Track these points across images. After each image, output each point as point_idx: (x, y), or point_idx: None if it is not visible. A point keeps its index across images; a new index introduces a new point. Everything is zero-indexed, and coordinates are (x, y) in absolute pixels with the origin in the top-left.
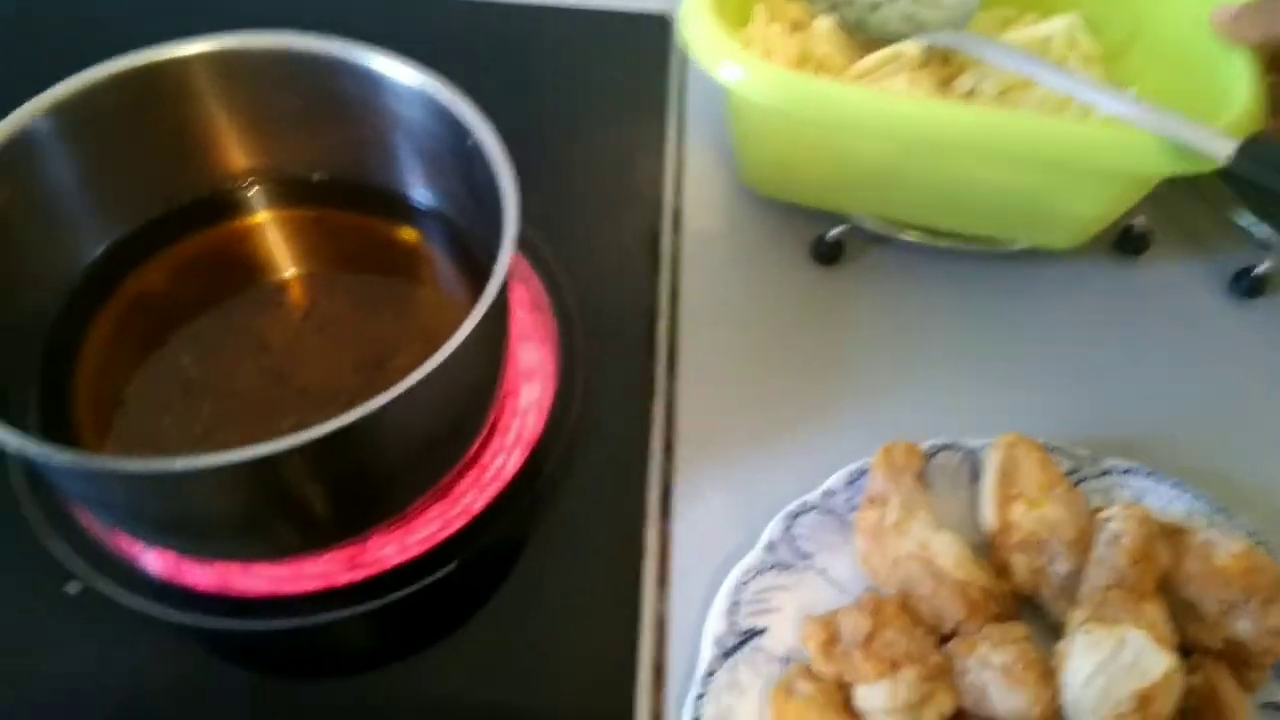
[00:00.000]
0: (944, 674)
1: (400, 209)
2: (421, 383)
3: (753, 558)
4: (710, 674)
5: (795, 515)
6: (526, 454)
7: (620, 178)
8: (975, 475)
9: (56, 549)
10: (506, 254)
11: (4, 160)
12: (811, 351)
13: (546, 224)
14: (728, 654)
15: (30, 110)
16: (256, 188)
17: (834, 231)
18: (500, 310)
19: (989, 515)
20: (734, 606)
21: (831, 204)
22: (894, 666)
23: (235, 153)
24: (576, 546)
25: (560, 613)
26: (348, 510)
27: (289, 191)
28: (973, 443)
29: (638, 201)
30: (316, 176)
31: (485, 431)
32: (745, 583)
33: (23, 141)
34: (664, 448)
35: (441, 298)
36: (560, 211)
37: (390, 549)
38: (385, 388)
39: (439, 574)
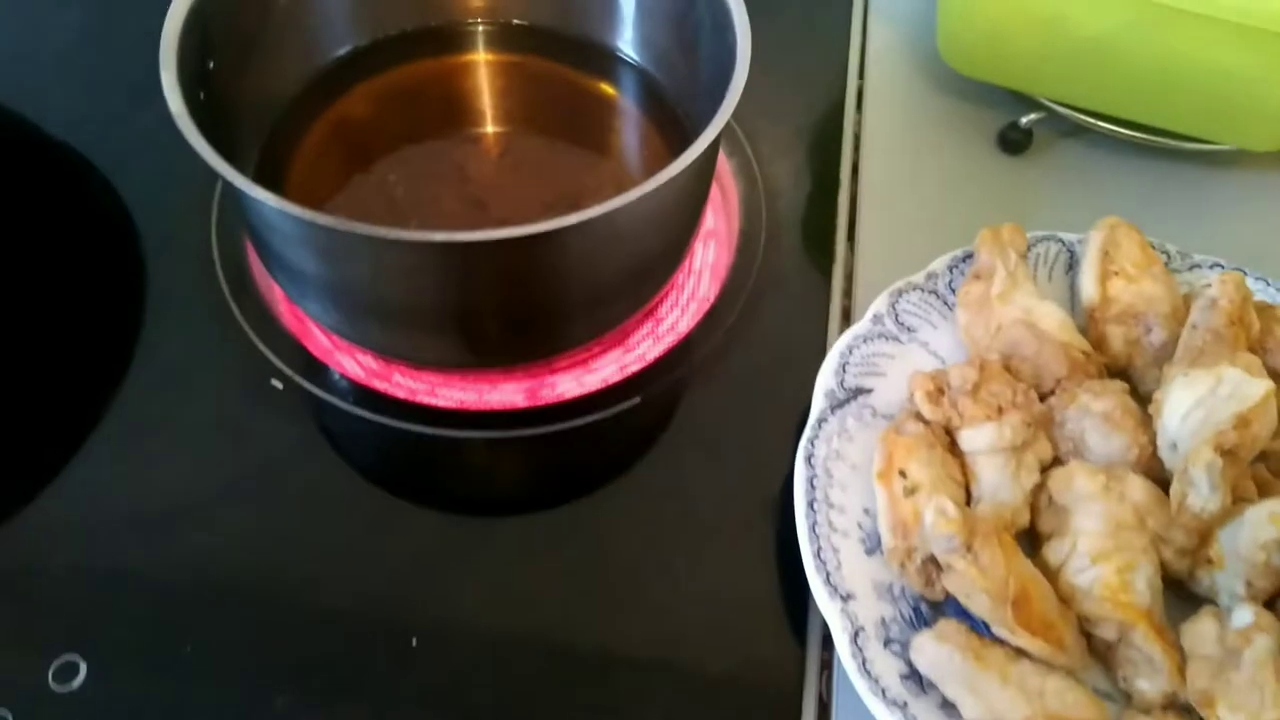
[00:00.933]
0: (1045, 424)
1: (603, 61)
2: (632, 203)
3: (860, 326)
4: (821, 421)
5: (900, 293)
6: (703, 313)
7: (804, 51)
8: (1071, 266)
9: (264, 348)
10: (730, 105)
11: None
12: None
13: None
14: (836, 406)
15: None
16: (474, 26)
17: (1026, 119)
18: (710, 160)
19: (1089, 289)
20: (842, 366)
21: (1034, 86)
22: (999, 412)
23: None
24: (745, 405)
25: (717, 466)
26: (535, 327)
27: (499, 34)
28: (1071, 236)
29: (821, 76)
30: (526, 22)
31: (673, 279)
32: (854, 348)
33: None
34: (841, 316)
35: (634, 150)
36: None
37: (569, 384)
38: None
39: (615, 409)
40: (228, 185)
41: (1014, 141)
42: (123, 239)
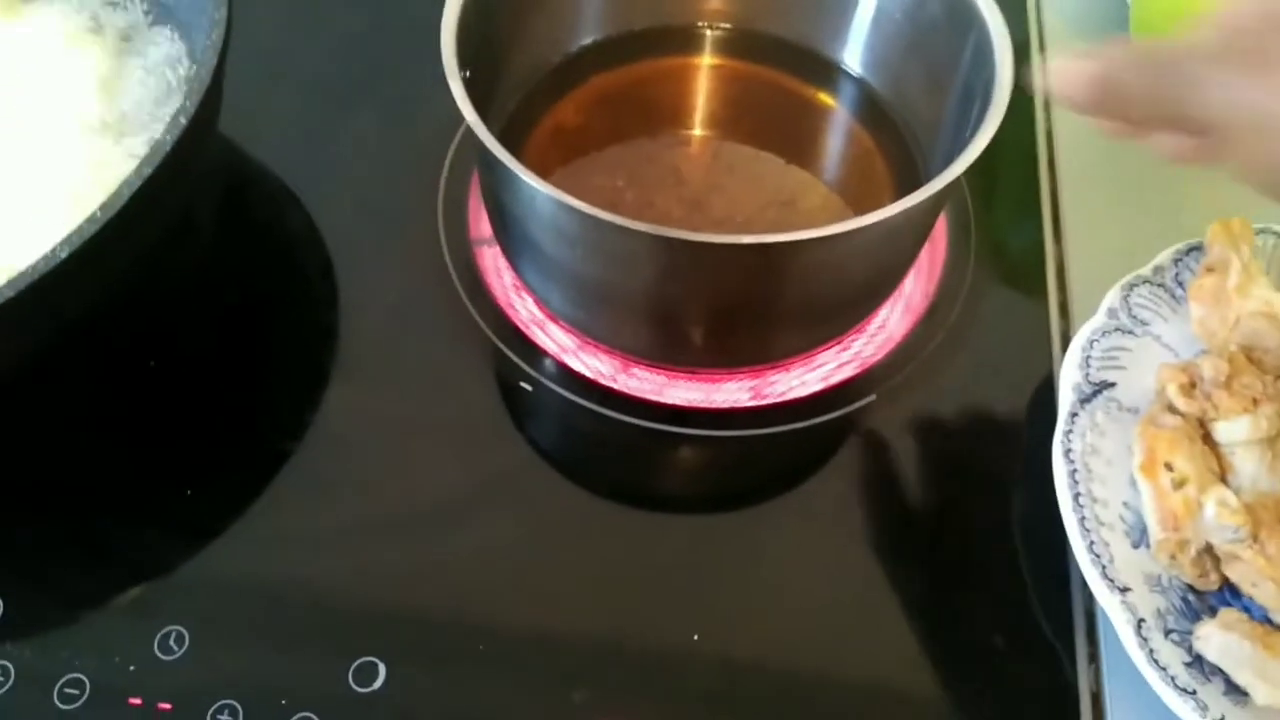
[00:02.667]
0: None
1: (829, 74)
2: (876, 224)
3: (1097, 320)
4: (1074, 415)
5: (1130, 286)
6: (920, 312)
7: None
8: None
9: (509, 352)
10: (979, 145)
11: None
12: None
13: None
14: (1085, 401)
15: None
16: (704, 30)
17: None
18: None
19: None
20: (1085, 361)
21: None
22: (1254, 404)
23: None
24: (973, 401)
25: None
26: (772, 331)
27: (730, 39)
28: None
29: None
30: (759, 29)
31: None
32: (1094, 341)
33: None
34: (1058, 311)
35: (852, 162)
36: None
37: (794, 383)
38: (799, 226)
39: (848, 408)
40: (497, 177)
41: None
42: (321, 253)
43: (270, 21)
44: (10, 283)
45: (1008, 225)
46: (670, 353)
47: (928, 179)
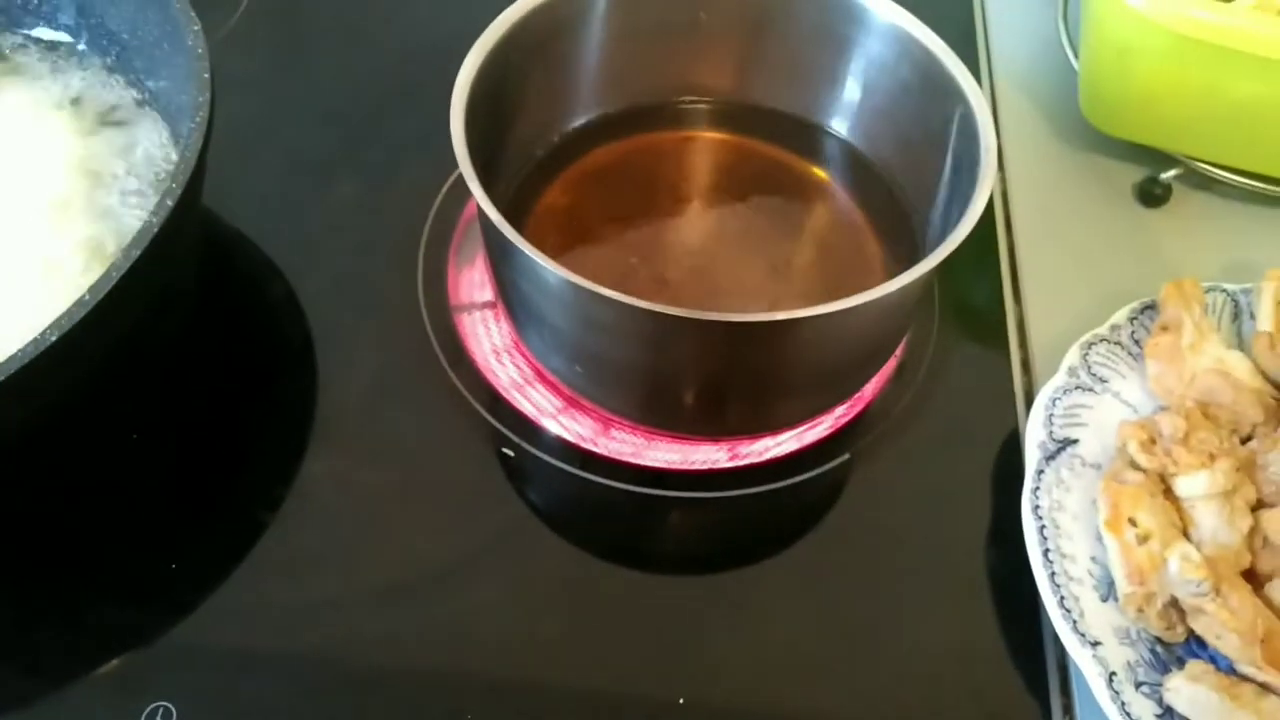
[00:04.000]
0: (1249, 467)
1: (815, 139)
2: (867, 304)
3: (1058, 379)
4: (1040, 473)
5: (1089, 345)
6: (889, 373)
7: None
8: (1236, 315)
9: (494, 423)
10: (968, 225)
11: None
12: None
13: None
14: (1050, 458)
15: None
16: (686, 105)
17: (1167, 175)
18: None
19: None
20: (1049, 419)
21: (1180, 145)
22: (1211, 459)
23: (675, 69)
24: (941, 459)
25: (921, 520)
26: (769, 403)
27: (712, 113)
28: (1233, 286)
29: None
30: (739, 100)
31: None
32: (1056, 399)
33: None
34: (1021, 368)
35: (845, 230)
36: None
37: (770, 444)
38: (795, 294)
39: (823, 467)
40: (506, 255)
41: (1154, 195)
42: (301, 323)
43: (249, 94)
44: (2, 365)
45: (969, 285)
46: (662, 419)
47: (918, 234)
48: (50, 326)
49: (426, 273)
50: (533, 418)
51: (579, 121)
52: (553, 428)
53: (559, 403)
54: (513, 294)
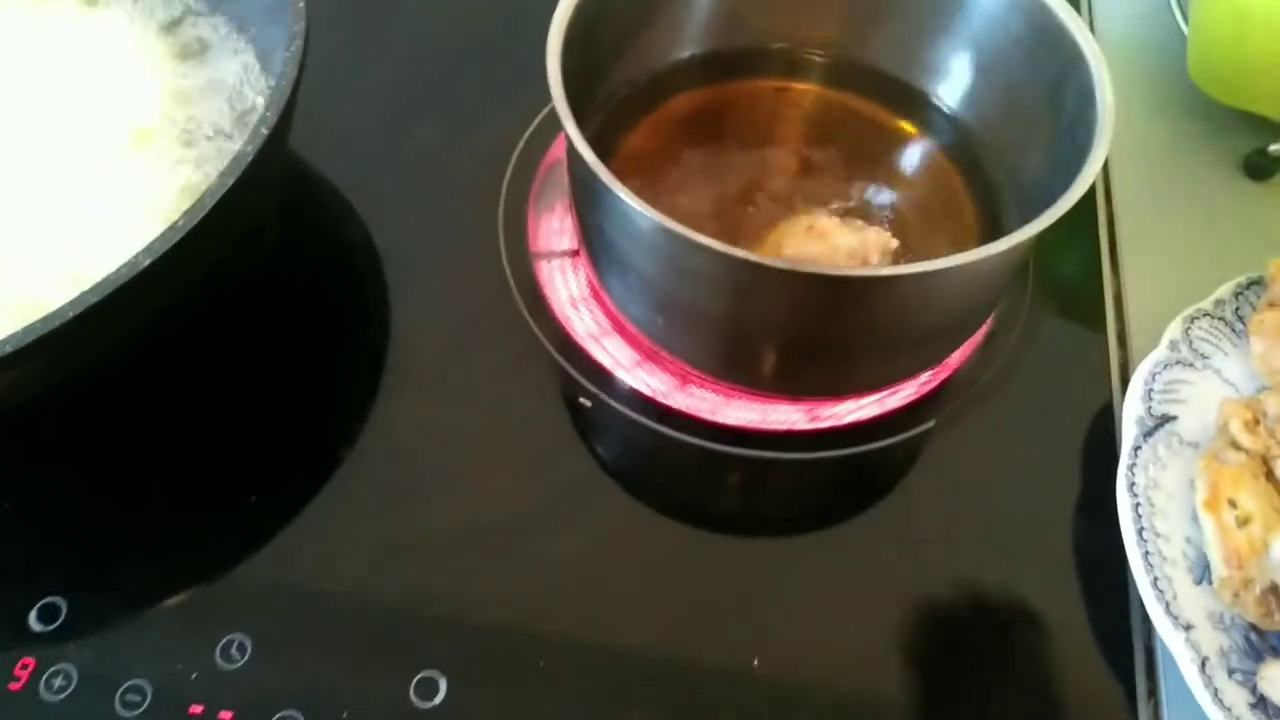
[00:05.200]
0: None
1: (913, 97)
2: (964, 266)
3: (1159, 353)
4: (1136, 449)
5: (1191, 319)
6: (979, 339)
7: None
8: None
9: (571, 372)
10: (1079, 189)
11: None
12: (1242, 265)
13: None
14: (1148, 434)
15: None
16: (784, 53)
17: (1276, 146)
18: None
19: None
20: (1148, 394)
21: None
22: None
23: (779, 10)
24: (1033, 430)
25: (1008, 491)
26: (842, 367)
27: (813, 65)
28: None
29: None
30: (838, 55)
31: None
32: (1156, 374)
33: None
34: (1117, 341)
35: (941, 189)
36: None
37: (850, 407)
38: None
39: (909, 433)
40: (594, 195)
41: (1261, 167)
42: (377, 265)
43: (332, 35)
44: (96, 287)
45: (1066, 253)
46: (743, 375)
47: (1017, 198)
48: (144, 251)
49: (507, 219)
50: (609, 369)
51: (668, 62)
52: (629, 380)
53: (636, 355)
54: (596, 238)
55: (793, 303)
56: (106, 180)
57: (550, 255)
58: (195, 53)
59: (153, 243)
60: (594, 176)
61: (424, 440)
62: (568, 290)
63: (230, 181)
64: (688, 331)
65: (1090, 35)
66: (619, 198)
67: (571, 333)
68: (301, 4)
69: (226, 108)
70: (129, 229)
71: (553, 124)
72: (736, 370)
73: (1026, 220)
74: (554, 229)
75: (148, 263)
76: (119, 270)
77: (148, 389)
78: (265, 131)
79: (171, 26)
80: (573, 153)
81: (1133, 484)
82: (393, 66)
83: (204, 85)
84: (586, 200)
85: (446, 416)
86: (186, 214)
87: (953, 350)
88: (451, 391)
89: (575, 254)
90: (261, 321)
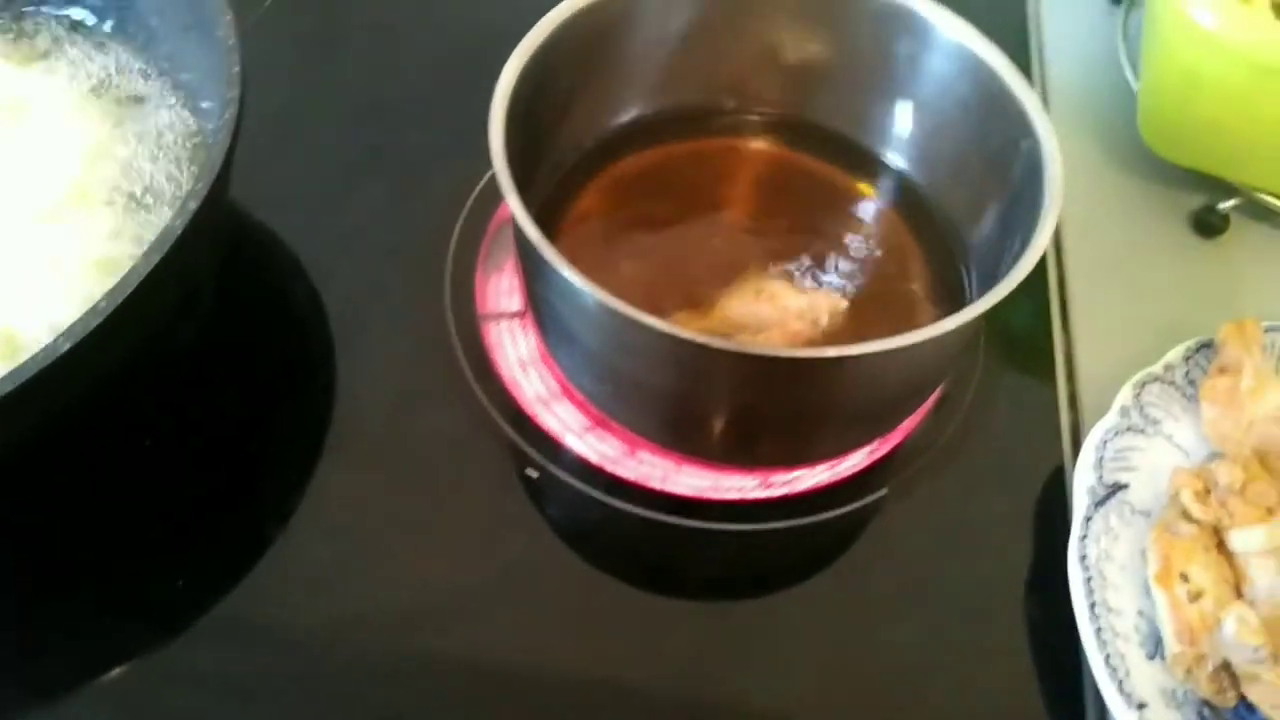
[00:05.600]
0: None
1: (860, 158)
2: (915, 345)
3: (1110, 420)
4: (1088, 520)
5: (1142, 384)
6: (931, 403)
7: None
8: None
9: (518, 441)
10: (1026, 267)
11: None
12: (1192, 325)
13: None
14: (1099, 503)
15: None
16: (732, 113)
17: (1225, 204)
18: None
19: None
20: (1099, 461)
21: (1242, 174)
22: (1269, 513)
23: (726, 70)
24: (983, 496)
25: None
26: (800, 438)
27: (761, 124)
28: None
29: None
30: (784, 111)
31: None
32: (1107, 440)
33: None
34: (1068, 403)
35: (890, 254)
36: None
37: (800, 474)
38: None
39: (860, 502)
40: (538, 270)
41: (1210, 225)
42: (323, 326)
43: (279, 82)
44: (8, 377)
45: (1016, 313)
46: (692, 446)
47: (966, 262)
48: (62, 335)
49: (455, 278)
50: (557, 435)
51: (618, 124)
52: (578, 446)
53: (586, 420)
54: (543, 308)
55: (738, 380)
56: (38, 247)
57: (499, 316)
58: (131, 111)
59: (72, 325)
60: (536, 251)
61: (362, 517)
62: (516, 352)
63: (156, 259)
64: (635, 404)
65: (1040, 104)
66: (562, 274)
67: (519, 398)
68: (237, 69)
69: (165, 168)
70: (61, 300)
71: None
72: (685, 442)
73: (978, 278)
74: (503, 289)
75: (66, 348)
76: (36, 356)
77: (76, 464)
78: (193, 206)
79: (106, 85)
80: (515, 226)
81: (1084, 556)
82: (340, 117)
83: (139, 145)
84: (531, 272)
85: (386, 491)
86: (108, 295)
87: (907, 417)
88: (393, 464)
89: (524, 315)
90: (197, 384)
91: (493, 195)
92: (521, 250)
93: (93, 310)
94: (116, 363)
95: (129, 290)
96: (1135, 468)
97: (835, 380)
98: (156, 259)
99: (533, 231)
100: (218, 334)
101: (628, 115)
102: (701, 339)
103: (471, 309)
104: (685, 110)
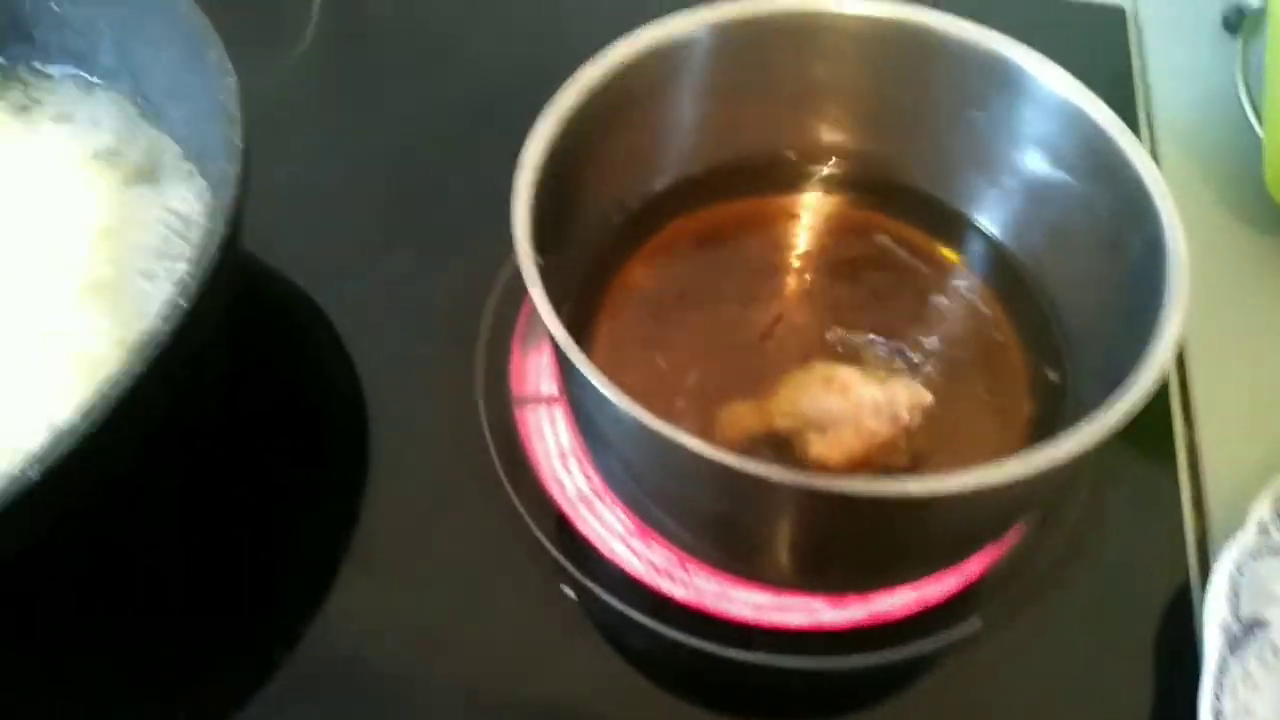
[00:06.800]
0: None
1: (947, 223)
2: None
3: (1246, 539)
4: (1222, 667)
5: None
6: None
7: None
8: None
9: (552, 551)
10: (1148, 380)
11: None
12: None
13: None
14: (1235, 645)
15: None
16: (796, 165)
17: None
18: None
19: None
20: (1233, 592)
21: None
22: None
23: (789, 119)
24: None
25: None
26: (866, 569)
27: (829, 180)
28: None
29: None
30: (859, 170)
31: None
32: (1241, 567)
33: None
34: (1193, 507)
35: (984, 338)
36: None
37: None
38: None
39: (947, 632)
40: (579, 385)
41: None
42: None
43: (304, 137)
44: None
45: None
46: (748, 570)
47: (1066, 354)
48: (32, 460)
49: (489, 358)
50: (596, 543)
51: (666, 182)
52: (620, 556)
53: (630, 525)
54: (579, 413)
55: (803, 513)
56: (38, 326)
57: (537, 400)
58: (142, 177)
59: (42, 452)
60: (571, 363)
61: (380, 634)
62: (556, 441)
63: (139, 371)
64: (683, 523)
65: (1156, 170)
66: (596, 388)
67: (555, 497)
68: (239, 143)
69: (181, 239)
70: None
71: None
72: (741, 565)
73: (1084, 368)
74: (542, 368)
75: (36, 476)
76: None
77: (59, 582)
78: (184, 304)
79: (110, 152)
80: (548, 333)
81: (1219, 713)
82: (371, 174)
83: (152, 210)
84: (564, 372)
85: (406, 608)
86: (84, 414)
87: (999, 539)
88: (413, 580)
89: (563, 402)
90: (210, 486)
91: None
92: (553, 349)
93: (60, 435)
94: (104, 477)
95: (110, 407)
96: (1278, 598)
97: (920, 513)
98: (139, 371)
99: (561, 335)
100: (233, 416)
101: (677, 172)
102: (756, 468)
103: (506, 392)
104: (742, 163)
